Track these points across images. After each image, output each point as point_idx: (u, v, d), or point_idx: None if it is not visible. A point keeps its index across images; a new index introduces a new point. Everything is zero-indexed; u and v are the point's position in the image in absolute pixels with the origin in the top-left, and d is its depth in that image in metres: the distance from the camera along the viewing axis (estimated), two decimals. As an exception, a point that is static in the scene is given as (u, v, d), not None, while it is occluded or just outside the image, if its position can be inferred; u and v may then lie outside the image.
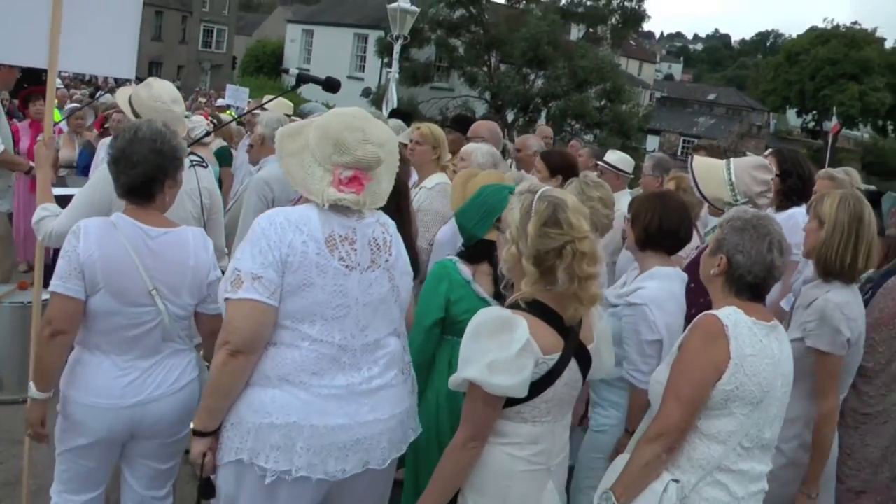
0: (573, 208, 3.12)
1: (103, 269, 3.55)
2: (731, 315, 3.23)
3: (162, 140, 3.68)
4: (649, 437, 3.26)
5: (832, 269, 4.00)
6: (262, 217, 3.22)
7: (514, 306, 3.14)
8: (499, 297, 3.73)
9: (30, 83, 9.78)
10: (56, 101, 9.64)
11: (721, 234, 3.38)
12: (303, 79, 5.24)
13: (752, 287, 3.32)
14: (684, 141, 64.00)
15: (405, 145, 7.39)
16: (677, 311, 4.11)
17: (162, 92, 4.46)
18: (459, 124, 8.18)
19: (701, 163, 4.98)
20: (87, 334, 3.68)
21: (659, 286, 4.10)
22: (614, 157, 8.14)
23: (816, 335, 3.95)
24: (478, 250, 3.92)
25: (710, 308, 3.39)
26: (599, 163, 8.04)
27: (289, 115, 7.99)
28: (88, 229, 3.59)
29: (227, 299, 3.12)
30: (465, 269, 3.90)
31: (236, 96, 25.91)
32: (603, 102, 41.85)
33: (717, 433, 3.23)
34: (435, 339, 3.95)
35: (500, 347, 2.98)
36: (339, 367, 3.19)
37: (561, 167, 6.07)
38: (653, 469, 3.24)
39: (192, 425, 3.26)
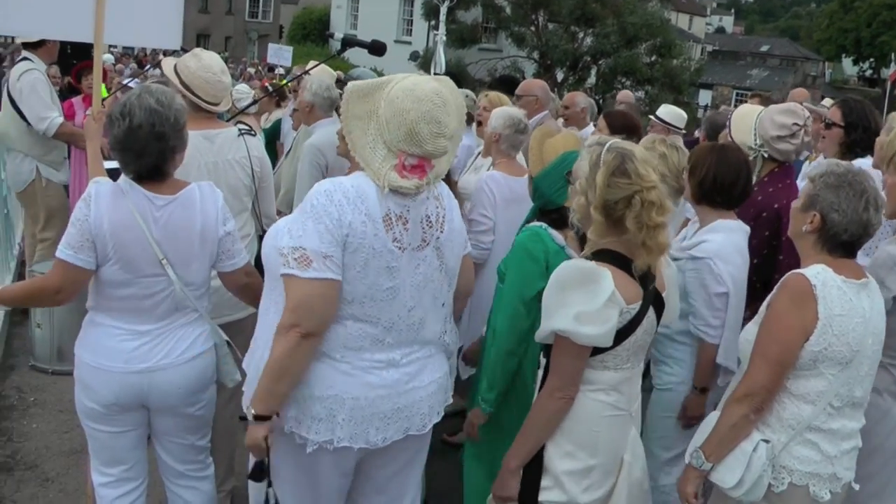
0: (641, 159, 3.15)
1: (114, 240, 3.52)
2: (819, 274, 3.18)
3: (160, 121, 3.53)
4: (737, 396, 3.27)
5: None
6: (318, 192, 3.08)
7: (593, 256, 3.15)
8: None
9: (79, 58, 9.87)
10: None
11: (814, 189, 3.28)
12: (348, 42, 5.21)
13: (845, 245, 3.25)
14: (737, 94, 63.07)
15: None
16: (741, 263, 4.09)
17: (212, 62, 4.45)
18: (505, 85, 8.11)
19: (740, 109, 4.95)
20: (100, 299, 3.67)
21: (723, 239, 4.08)
22: (665, 111, 8.07)
23: None
24: (562, 216, 3.84)
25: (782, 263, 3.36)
26: (651, 117, 7.96)
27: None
28: (99, 196, 3.54)
29: (292, 276, 3.00)
30: (557, 235, 3.86)
31: (279, 55, 25.99)
32: (653, 58, 41.14)
33: (807, 393, 3.23)
34: (536, 310, 3.68)
35: (586, 299, 3.03)
36: (382, 346, 3.18)
37: (622, 127, 5.96)
38: (741, 429, 3.26)
39: (251, 409, 3.13)
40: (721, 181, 4.10)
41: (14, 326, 7.52)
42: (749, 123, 4.69)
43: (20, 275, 8.43)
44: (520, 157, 5.59)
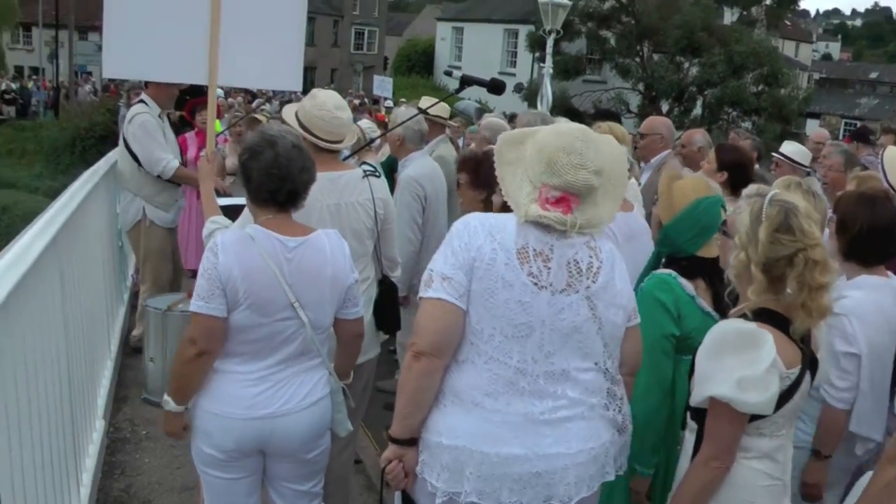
0: (805, 213, 2.97)
1: (245, 285, 3.51)
2: None
3: (300, 152, 3.65)
4: (889, 456, 3.00)
5: None
6: (459, 221, 3.16)
7: (746, 316, 2.96)
8: (720, 314, 3.55)
9: (192, 94, 10.06)
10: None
11: None
12: (467, 81, 5.13)
13: None
14: (846, 124, 61.72)
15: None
16: (884, 325, 3.80)
17: (326, 100, 4.40)
18: (603, 118, 7.96)
19: (891, 153, 4.68)
20: (231, 345, 3.64)
21: (863, 297, 3.83)
22: (790, 148, 7.73)
23: None
24: (692, 265, 3.72)
25: None
26: (774, 154, 7.68)
27: (445, 118, 7.89)
28: (226, 245, 3.56)
29: (420, 299, 3.08)
30: (686, 284, 3.68)
31: (382, 87, 26.42)
32: (760, 87, 40.48)
33: None
34: (670, 355, 3.64)
35: (747, 364, 2.85)
36: (516, 391, 3.01)
37: (731, 163, 5.76)
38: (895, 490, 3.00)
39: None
40: (876, 238, 3.87)
41: (127, 358, 7.61)
42: None
43: (133, 306, 8.56)
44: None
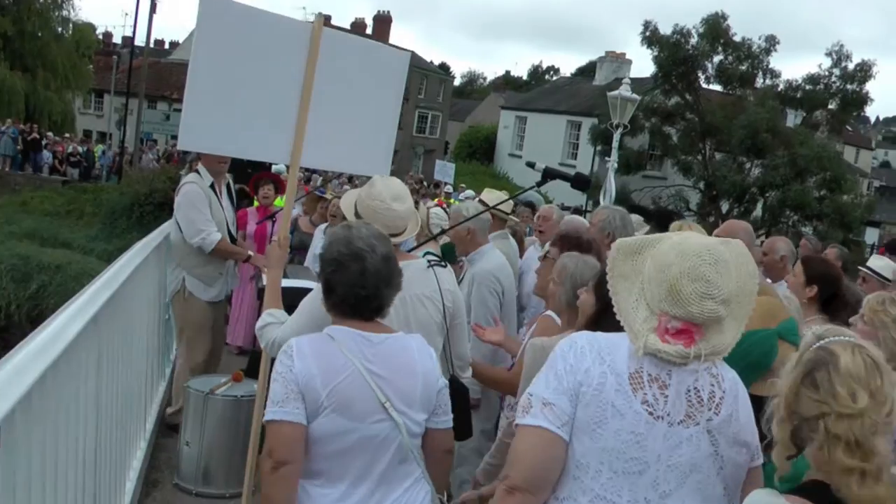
0: (847, 373, 2.34)
1: (327, 387, 3.18)
2: None
3: (389, 266, 3.40)
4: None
5: None
6: (564, 340, 2.81)
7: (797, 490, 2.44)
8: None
9: (255, 167, 9.90)
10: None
11: None
12: (550, 174, 4.91)
13: None
14: (909, 233, 60.93)
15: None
16: None
17: (383, 189, 4.15)
18: (661, 219, 7.61)
19: None
20: (315, 462, 3.28)
21: None
22: (879, 263, 7.36)
23: None
24: None
25: None
26: (861, 268, 7.29)
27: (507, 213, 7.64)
28: (302, 347, 3.26)
29: (516, 425, 2.74)
30: None
31: (443, 172, 26.45)
32: (822, 192, 40.01)
33: None
34: None
35: None
36: None
37: (821, 276, 5.40)
38: None
39: None
40: None
41: (162, 437, 7.28)
42: None
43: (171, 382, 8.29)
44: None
